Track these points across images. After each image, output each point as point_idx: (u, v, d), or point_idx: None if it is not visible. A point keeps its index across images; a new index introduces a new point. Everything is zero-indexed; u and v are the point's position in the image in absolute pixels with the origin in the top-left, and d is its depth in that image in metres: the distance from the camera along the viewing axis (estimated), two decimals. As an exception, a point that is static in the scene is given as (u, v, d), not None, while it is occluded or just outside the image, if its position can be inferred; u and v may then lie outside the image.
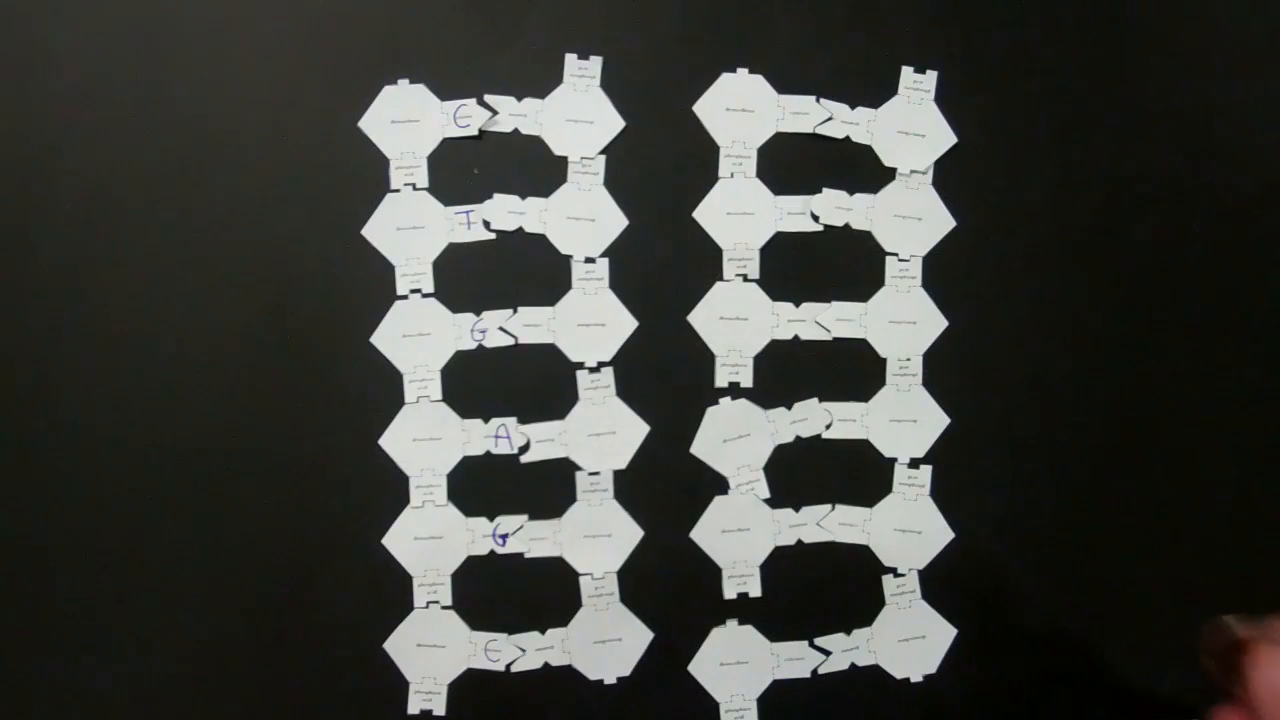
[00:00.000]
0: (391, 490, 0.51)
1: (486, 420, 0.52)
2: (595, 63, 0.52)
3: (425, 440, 0.51)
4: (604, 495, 0.52)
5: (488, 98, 0.52)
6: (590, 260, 0.52)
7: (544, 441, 0.52)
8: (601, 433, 0.52)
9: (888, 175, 0.53)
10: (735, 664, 0.52)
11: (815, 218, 0.53)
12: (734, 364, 0.52)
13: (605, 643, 0.52)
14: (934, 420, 0.53)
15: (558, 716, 0.52)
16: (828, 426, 0.52)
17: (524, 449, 0.52)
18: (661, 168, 0.52)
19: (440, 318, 0.52)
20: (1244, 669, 0.38)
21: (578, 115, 0.52)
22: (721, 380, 0.52)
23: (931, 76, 0.53)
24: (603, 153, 0.52)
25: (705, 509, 0.52)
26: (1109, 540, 0.53)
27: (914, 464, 0.53)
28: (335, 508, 0.51)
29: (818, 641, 0.52)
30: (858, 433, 0.52)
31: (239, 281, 0.51)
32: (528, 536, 0.51)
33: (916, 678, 0.52)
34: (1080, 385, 0.53)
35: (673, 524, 0.52)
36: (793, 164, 0.53)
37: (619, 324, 0.52)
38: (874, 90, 0.53)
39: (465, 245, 0.52)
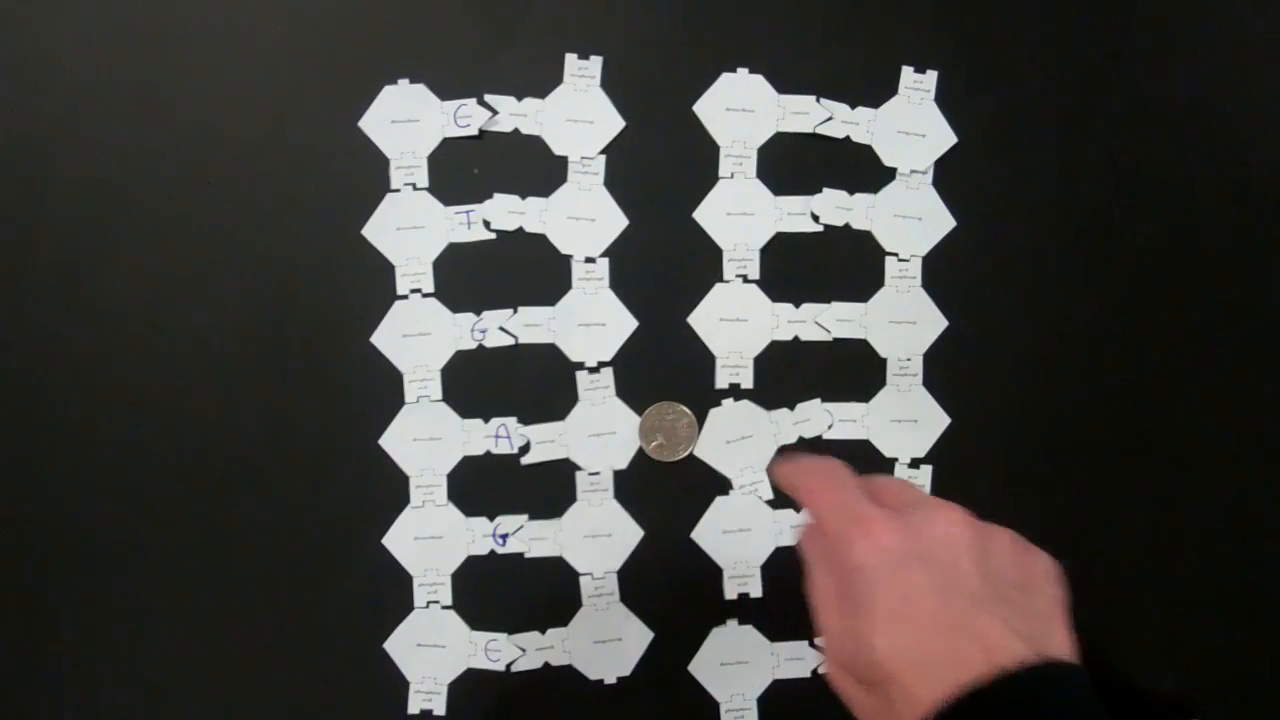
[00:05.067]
0: (391, 490, 0.51)
1: (486, 420, 0.52)
2: (595, 63, 0.52)
3: (425, 440, 0.51)
4: (604, 495, 0.52)
5: (488, 98, 0.52)
6: (590, 260, 0.52)
7: (544, 442, 0.52)
8: (601, 433, 0.52)
9: (888, 175, 0.53)
10: (735, 664, 0.52)
11: (815, 218, 0.53)
12: (734, 365, 0.52)
13: (605, 643, 0.52)
14: (934, 420, 0.53)
15: (558, 716, 0.52)
16: (829, 427, 0.52)
17: (524, 450, 0.52)
18: (661, 168, 0.52)
19: (440, 318, 0.52)
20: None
21: (578, 115, 0.52)
22: (722, 382, 0.52)
23: (931, 76, 0.53)
24: (603, 153, 0.52)
25: (705, 509, 0.52)
26: (1109, 540, 0.53)
27: (914, 464, 0.53)
28: (335, 508, 0.51)
29: (818, 641, 0.52)
30: (859, 433, 0.52)
31: (239, 281, 0.51)
32: (528, 536, 0.51)
33: (916, 678, 0.52)
34: (1080, 385, 0.53)
35: (673, 524, 0.52)
36: (793, 164, 0.53)
37: (619, 324, 0.52)
38: (874, 90, 0.53)
39: (465, 245, 0.52)
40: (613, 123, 0.52)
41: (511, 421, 0.52)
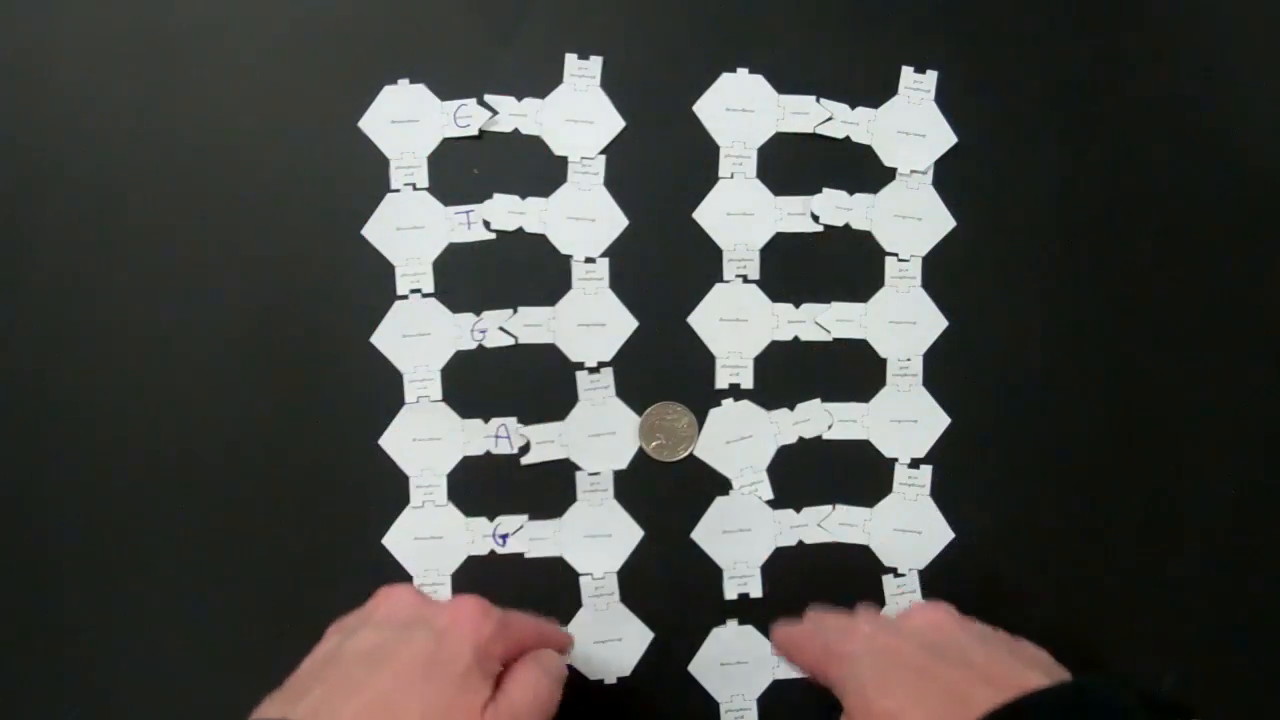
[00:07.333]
0: (391, 490, 0.51)
1: (486, 420, 0.52)
2: (595, 63, 0.52)
3: (425, 440, 0.51)
4: (604, 495, 0.52)
5: (488, 98, 0.52)
6: (590, 260, 0.52)
7: (544, 442, 0.51)
8: (601, 433, 0.52)
9: (888, 175, 0.53)
10: (735, 664, 0.52)
11: (815, 218, 0.53)
12: (734, 365, 0.52)
13: (605, 643, 0.52)
14: (934, 420, 0.53)
15: (558, 717, 0.51)
16: (829, 427, 0.52)
17: (524, 450, 0.52)
18: (661, 168, 0.52)
19: (440, 318, 0.52)
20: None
21: (578, 115, 0.52)
22: (722, 382, 0.52)
23: (931, 76, 0.53)
24: (603, 153, 0.52)
25: (705, 509, 0.52)
26: (1109, 540, 0.53)
27: (914, 464, 0.53)
28: (335, 508, 0.51)
29: None
30: (859, 433, 0.52)
31: (239, 281, 0.51)
32: (528, 536, 0.51)
33: (916, 678, 0.52)
34: (1081, 385, 0.53)
35: (673, 524, 0.52)
36: (793, 164, 0.53)
37: (619, 324, 0.52)
38: (874, 90, 0.53)
39: (465, 245, 0.52)
40: (613, 123, 0.52)
41: (511, 421, 0.52)
